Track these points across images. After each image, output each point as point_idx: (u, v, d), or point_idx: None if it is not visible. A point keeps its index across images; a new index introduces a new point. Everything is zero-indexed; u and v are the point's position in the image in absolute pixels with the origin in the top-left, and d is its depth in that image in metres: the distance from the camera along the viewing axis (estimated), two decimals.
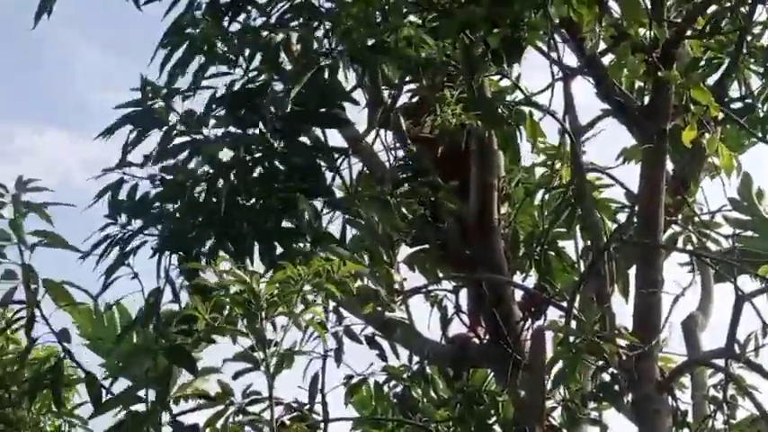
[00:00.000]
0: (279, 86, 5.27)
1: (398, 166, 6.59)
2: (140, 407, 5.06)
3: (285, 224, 5.18)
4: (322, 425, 5.72)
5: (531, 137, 6.79)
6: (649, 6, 6.20)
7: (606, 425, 6.06)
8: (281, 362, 4.57)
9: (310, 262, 4.59)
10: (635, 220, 6.57)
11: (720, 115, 6.55)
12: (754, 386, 5.87)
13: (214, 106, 5.29)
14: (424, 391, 6.46)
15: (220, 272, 4.58)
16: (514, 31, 5.66)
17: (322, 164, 5.33)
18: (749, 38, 6.78)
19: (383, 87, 6.18)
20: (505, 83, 6.95)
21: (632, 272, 6.49)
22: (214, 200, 5.14)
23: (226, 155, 5.20)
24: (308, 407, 5.73)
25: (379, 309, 6.04)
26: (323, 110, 5.32)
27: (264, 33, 5.38)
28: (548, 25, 5.76)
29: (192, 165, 5.23)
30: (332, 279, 4.58)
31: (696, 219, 7.31)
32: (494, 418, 6.31)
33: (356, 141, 6.41)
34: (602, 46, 6.52)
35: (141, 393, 5.05)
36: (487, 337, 6.73)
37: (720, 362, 5.97)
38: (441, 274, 6.95)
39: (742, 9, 6.61)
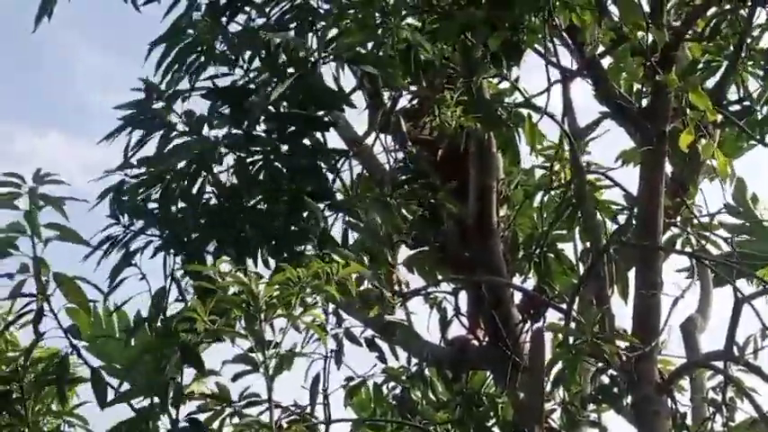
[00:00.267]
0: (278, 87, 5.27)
1: (398, 168, 6.59)
2: (143, 404, 5.07)
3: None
4: (323, 427, 5.72)
5: (529, 139, 6.78)
6: (648, 10, 6.20)
7: (605, 427, 6.07)
8: (281, 364, 4.56)
9: (310, 264, 4.60)
10: (634, 222, 6.58)
11: (719, 118, 6.55)
12: (754, 388, 5.87)
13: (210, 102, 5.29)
14: (424, 393, 6.44)
15: (220, 273, 4.58)
16: (514, 34, 5.67)
17: (323, 166, 5.34)
18: (748, 41, 6.78)
19: (383, 89, 6.18)
20: (504, 85, 6.96)
21: (632, 274, 6.50)
22: (215, 201, 5.14)
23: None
24: (307, 409, 5.72)
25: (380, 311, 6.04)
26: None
27: (262, 34, 5.38)
28: (546, 28, 5.76)
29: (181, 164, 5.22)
30: (331, 281, 4.58)
31: (695, 221, 7.31)
32: (493, 421, 6.29)
33: (356, 143, 6.41)
34: (601, 48, 6.52)
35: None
36: (487, 339, 6.73)
37: (719, 364, 5.98)
38: (440, 277, 6.95)
39: (741, 12, 6.62)
